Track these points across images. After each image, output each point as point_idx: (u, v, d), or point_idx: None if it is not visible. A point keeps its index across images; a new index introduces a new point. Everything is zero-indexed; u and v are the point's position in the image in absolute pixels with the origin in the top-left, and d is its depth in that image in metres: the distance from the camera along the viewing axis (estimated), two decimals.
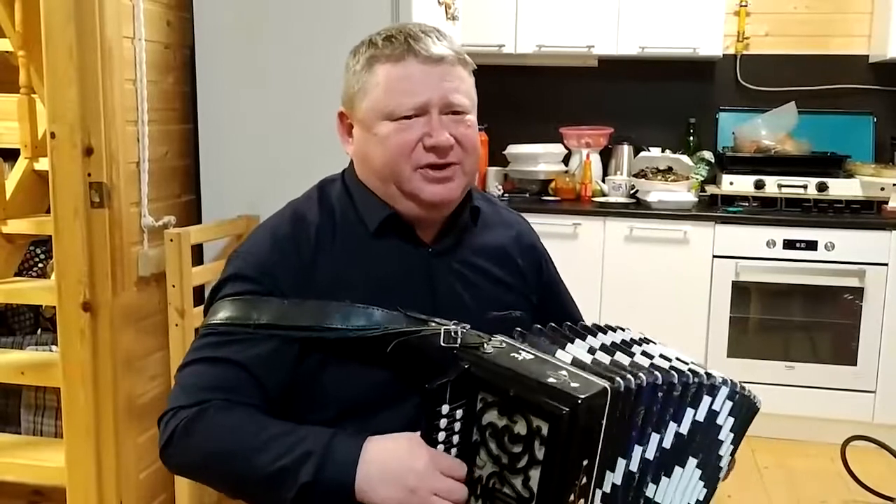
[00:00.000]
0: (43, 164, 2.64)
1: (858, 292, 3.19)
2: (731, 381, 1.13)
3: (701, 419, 1.09)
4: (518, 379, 0.97)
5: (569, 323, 1.17)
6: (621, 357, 1.08)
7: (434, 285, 1.25)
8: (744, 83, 3.78)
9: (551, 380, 0.96)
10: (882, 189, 3.30)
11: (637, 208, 3.41)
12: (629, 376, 1.00)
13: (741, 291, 3.29)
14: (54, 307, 2.24)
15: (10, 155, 2.82)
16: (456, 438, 1.01)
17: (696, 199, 3.45)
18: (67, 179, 2.10)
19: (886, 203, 3.27)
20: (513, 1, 3.56)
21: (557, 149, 3.75)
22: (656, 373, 1.04)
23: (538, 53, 3.59)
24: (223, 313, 1.18)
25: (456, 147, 1.20)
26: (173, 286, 2.18)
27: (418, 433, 1.03)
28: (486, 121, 3.74)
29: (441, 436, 1.00)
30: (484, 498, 1.00)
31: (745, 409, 1.16)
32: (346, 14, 2.26)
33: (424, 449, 1.02)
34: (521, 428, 0.95)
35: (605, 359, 1.06)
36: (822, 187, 3.35)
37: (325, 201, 1.28)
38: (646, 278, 3.31)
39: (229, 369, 1.14)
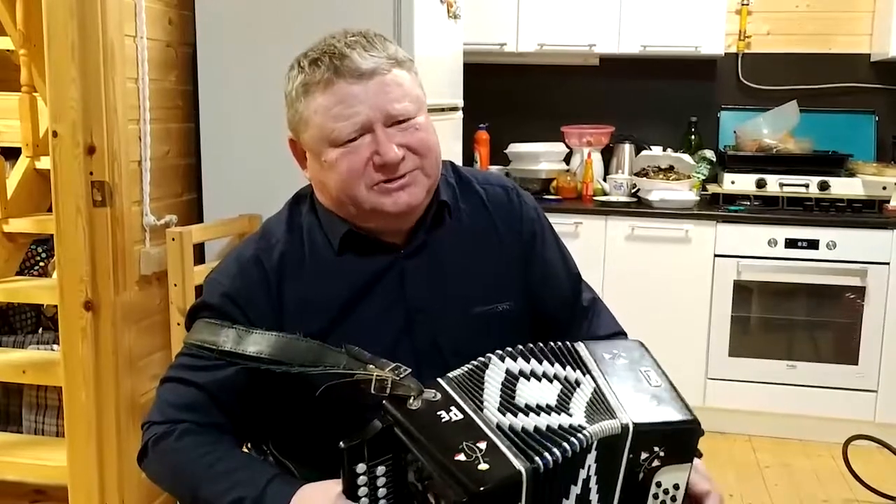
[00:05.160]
0: (45, 163, 2.64)
1: (860, 291, 3.19)
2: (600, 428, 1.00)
3: (594, 473, 1.02)
4: (430, 450, 0.92)
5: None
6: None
7: (407, 289, 1.22)
8: (745, 82, 3.78)
9: (461, 457, 0.90)
10: (884, 188, 3.30)
11: (638, 207, 3.41)
12: (556, 450, 0.94)
13: (743, 290, 3.29)
14: (56, 306, 2.24)
15: (12, 154, 2.83)
16: (383, 491, 0.99)
17: (698, 198, 3.45)
18: (69, 178, 2.11)
19: (888, 202, 3.27)
20: (514, 0, 3.56)
21: (559, 147, 3.75)
22: (580, 434, 0.96)
23: (540, 52, 3.58)
24: (197, 334, 1.20)
25: (409, 155, 1.16)
26: (175, 285, 2.18)
27: (340, 489, 1.00)
28: (487, 119, 3.76)
29: (363, 491, 0.98)
30: None
31: (608, 449, 1.02)
32: (348, 13, 2.26)
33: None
34: (432, 498, 0.93)
35: (528, 423, 0.98)
36: (823, 186, 3.34)
37: (294, 220, 1.27)
38: (647, 277, 3.31)
39: (196, 392, 1.18)
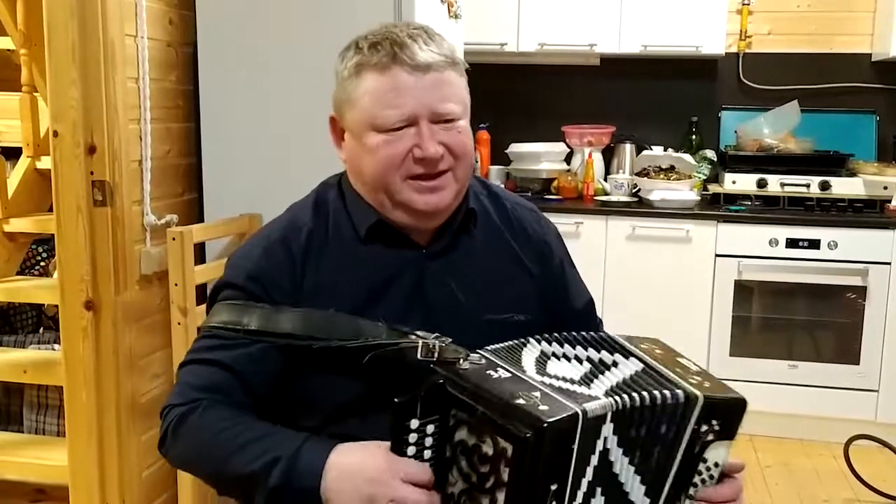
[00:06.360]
0: (45, 163, 2.64)
1: (861, 291, 3.19)
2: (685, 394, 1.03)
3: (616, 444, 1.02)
4: (487, 398, 0.96)
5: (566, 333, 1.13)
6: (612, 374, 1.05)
7: (425, 288, 1.23)
8: (746, 82, 3.78)
9: (520, 401, 0.93)
10: (885, 188, 3.30)
11: (639, 207, 3.41)
12: (622, 396, 0.98)
13: (744, 290, 3.29)
14: (56, 306, 2.24)
15: (13, 153, 2.83)
16: (428, 453, 1.00)
17: (699, 198, 3.45)
18: (70, 178, 2.10)
19: (889, 202, 3.27)
20: (515, 0, 3.56)
21: (560, 147, 3.75)
22: (643, 391, 1.01)
23: (540, 52, 3.58)
24: (218, 317, 1.20)
25: (446, 155, 1.18)
26: (175, 285, 2.18)
27: (388, 444, 1.01)
28: (488, 119, 3.76)
29: (411, 450, 0.99)
30: None
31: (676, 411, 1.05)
32: (349, 12, 2.26)
33: (384, 458, 1.00)
34: (488, 448, 0.94)
35: (606, 380, 1.03)
36: (824, 186, 3.35)
37: (321, 205, 1.27)
38: (648, 277, 3.31)
39: (220, 371, 1.17)
